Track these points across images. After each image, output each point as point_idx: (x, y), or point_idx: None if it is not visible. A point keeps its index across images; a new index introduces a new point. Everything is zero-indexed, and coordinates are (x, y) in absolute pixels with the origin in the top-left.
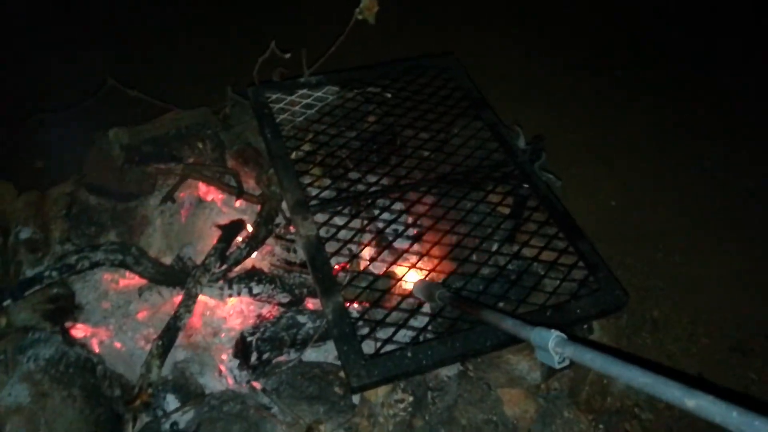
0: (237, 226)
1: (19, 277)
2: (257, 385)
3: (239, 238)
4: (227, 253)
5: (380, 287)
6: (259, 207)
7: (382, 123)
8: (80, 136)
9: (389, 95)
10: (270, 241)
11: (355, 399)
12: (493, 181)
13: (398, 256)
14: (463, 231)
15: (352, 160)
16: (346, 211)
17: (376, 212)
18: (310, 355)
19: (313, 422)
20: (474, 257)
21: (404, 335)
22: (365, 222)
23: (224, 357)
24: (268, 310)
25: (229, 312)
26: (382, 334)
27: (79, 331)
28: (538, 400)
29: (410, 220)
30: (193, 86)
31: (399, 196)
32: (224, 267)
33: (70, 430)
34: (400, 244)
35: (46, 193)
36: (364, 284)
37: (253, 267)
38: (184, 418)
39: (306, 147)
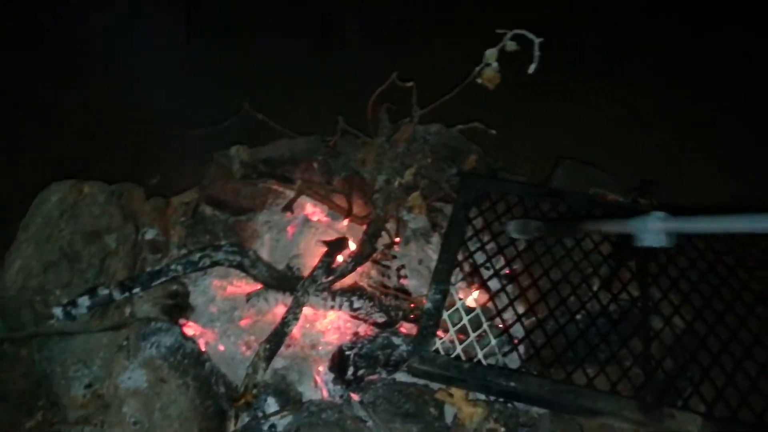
0: (341, 242)
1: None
2: (355, 396)
3: (342, 256)
4: (332, 267)
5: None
6: (364, 227)
7: None
8: (196, 155)
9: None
10: (367, 264)
11: (448, 421)
12: None
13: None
14: None
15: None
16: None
17: None
18: (400, 377)
19: None
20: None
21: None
22: None
23: (321, 369)
24: (363, 329)
25: (327, 327)
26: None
27: (190, 329)
28: None
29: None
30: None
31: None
32: (330, 278)
33: (181, 418)
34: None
35: (169, 200)
36: None
37: (355, 283)
38: (282, 421)
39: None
